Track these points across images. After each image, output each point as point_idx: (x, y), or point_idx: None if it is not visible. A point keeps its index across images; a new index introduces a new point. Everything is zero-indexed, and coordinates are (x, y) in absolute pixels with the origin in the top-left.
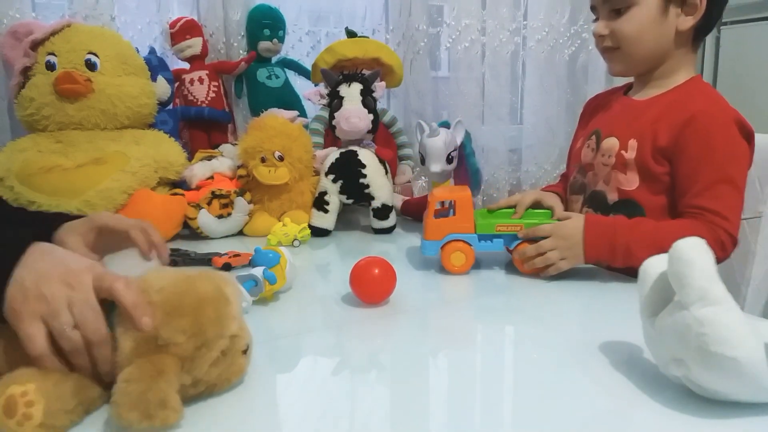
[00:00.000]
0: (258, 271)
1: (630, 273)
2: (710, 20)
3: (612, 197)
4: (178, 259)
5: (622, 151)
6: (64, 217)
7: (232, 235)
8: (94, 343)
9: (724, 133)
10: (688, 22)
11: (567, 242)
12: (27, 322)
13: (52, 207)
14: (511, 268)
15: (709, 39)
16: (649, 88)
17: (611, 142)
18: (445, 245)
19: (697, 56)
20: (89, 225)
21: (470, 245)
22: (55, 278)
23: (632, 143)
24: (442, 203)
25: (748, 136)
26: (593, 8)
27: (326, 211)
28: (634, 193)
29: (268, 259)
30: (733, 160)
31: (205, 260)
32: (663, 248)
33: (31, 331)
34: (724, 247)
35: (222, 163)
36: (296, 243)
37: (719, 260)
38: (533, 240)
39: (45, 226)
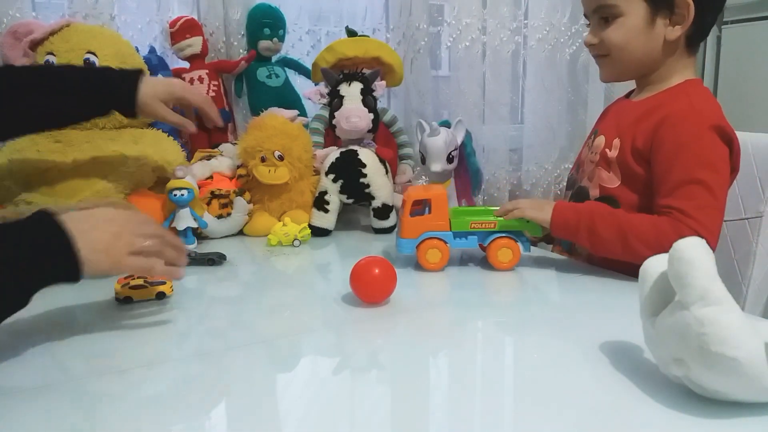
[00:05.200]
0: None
1: (616, 268)
2: (703, 27)
3: (594, 193)
4: None
5: (606, 149)
6: (132, 75)
7: (232, 235)
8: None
9: (696, 135)
10: (675, 32)
11: (538, 204)
12: (127, 262)
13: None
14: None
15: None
16: (645, 92)
17: (599, 140)
18: (421, 243)
19: (698, 56)
20: (170, 94)
21: (446, 242)
22: (109, 227)
23: (616, 142)
24: (418, 202)
25: (729, 142)
26: (586, 16)
27: (326, 211)
28: (614, 191)
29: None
30: (705, 163)
31: (206, 260)
32: (623, 231)
33: (132, 262)
34: None
35: (221, 162)
36: (296, 243)
37: None
38: (510, 238)
39: (124, 86)
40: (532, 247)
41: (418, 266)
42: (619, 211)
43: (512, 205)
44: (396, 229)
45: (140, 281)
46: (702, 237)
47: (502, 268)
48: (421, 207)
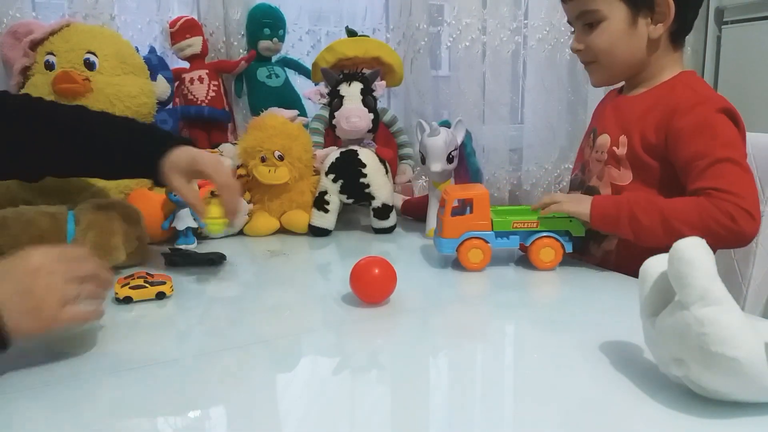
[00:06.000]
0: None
1: (626, 272)
2: (686, 22)
3: (605, 192)
4: (178, 258)
5: (614, 147)
6: (165, 141)
7: (232, 235)
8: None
9: (709, 118)
10: (658, 30)
11: (576, 198)
12: (63, 317)
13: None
14: (510, 265)
15: (710, 38)
16: (638, 88)
17: (604, 139)
18: (463, 243)
19: (698, 56)
20: (191, 167)
21: (487, 242)
22: (36, 279)
23: (623, 139)
24: (459, 201)
25: (736, 122)
26: (570, 23)
27: (326, 211)
28: (627, 187)
29: (182, 201)
30: (726, 143)
31: (206, 260)
32: (664, 216)
33: (69, 315)
34: (734, 219)
35: None
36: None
37: (732, 233)
38: (553, 237)
39: (151, 154)
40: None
41: (417, 266)
42: (657, 197)
43: (550, 199)
44: (436, 229)
45: (140, 281)
46: (749, 212)
47: (545, 267)
48: (461, 207)
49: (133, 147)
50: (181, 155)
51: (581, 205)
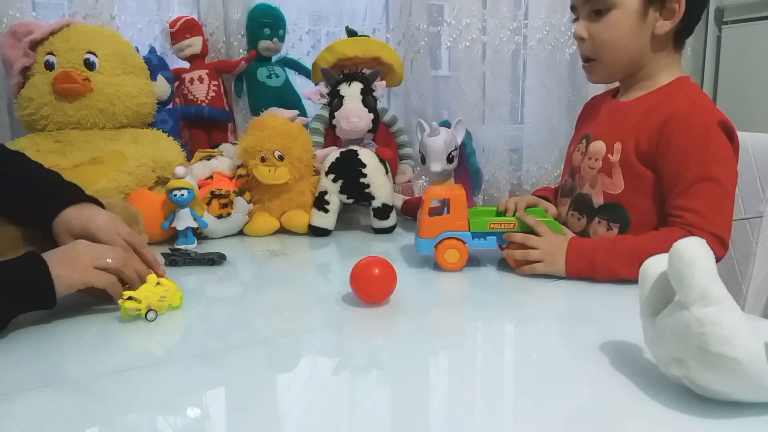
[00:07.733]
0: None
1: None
2: (690, 23)
3: (597, 201)
4: (178, 258)
5: (609, 155)
6: (67, 197)
7: (232, 235)
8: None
9: (703, 132)
10: (665, 26)
11: (552, 248)
12: (88, 275)
13: None
14: (509, 266)
15: (710, 38)
16: (633, 90)
17: (598, 146)
18: (440, 243)
19: (698, 56)
20: (84, 232)
21: (464, 243)
22: (76, 249)
23: (617, 146)
24: (437, 201)
25: (731, 136)
26: (573, 8)
27: (326, 211)
28: (619, 196)
29: (182, 201)
30: (716, 160)
31: (206, 260)
32: (641, 262)
33: (96, 275)
34: None
35: (221, 162)
36: (151, 315)
37: None
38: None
39: (49, 208)
40: None
41: (417, 266)
42: (628, 239)
43: (522, 256)
44: (416, 230)
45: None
46: (720, 237)
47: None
48: (439, 207)
49: (27, 205)
50: (74, 220)
51: (556, 266)
